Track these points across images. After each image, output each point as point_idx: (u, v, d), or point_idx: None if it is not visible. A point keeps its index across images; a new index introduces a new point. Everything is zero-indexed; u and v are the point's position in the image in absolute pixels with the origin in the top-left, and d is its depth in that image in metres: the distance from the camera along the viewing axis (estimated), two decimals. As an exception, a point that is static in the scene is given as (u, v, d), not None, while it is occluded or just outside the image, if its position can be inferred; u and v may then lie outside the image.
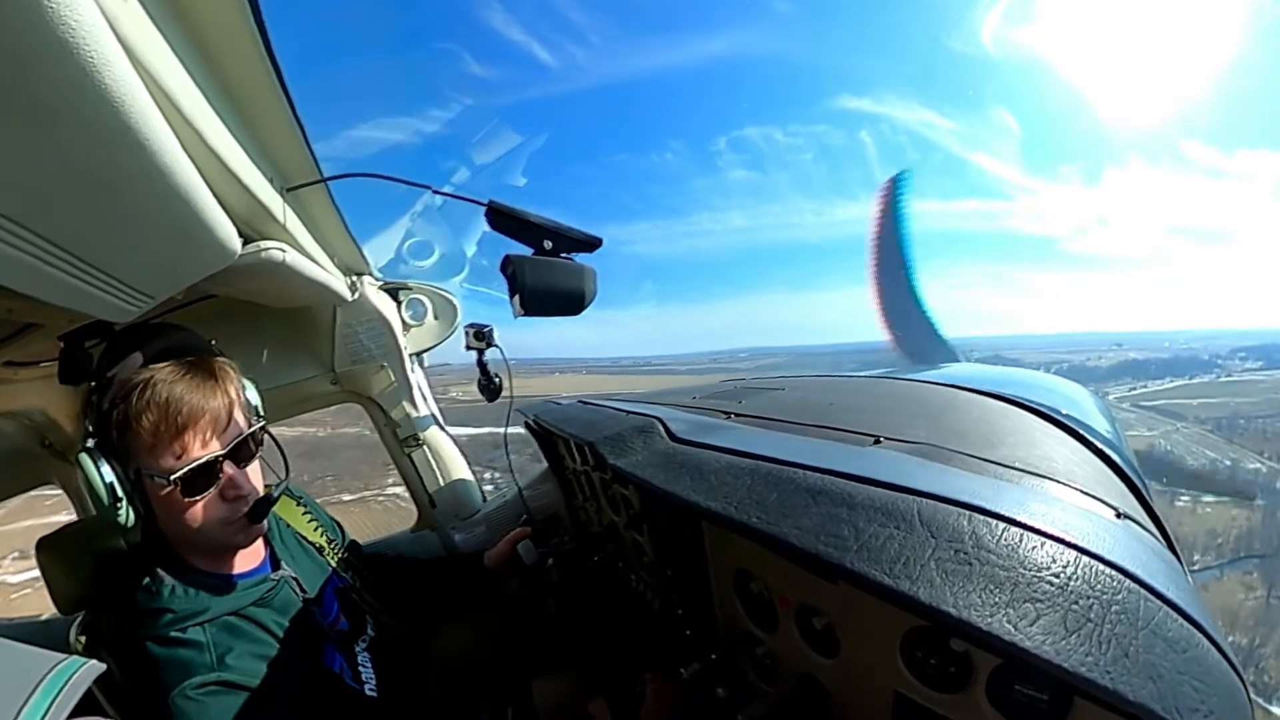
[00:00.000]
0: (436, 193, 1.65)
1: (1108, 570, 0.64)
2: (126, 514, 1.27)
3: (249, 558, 1.53)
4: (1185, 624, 0.62)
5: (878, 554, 0.73)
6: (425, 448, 2.74)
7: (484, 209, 1.47)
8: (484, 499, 2.86)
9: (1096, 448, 1.25)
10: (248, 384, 1.51)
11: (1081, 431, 1.30)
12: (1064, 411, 1.44)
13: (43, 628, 2.68)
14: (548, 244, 1.48)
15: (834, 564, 0.75)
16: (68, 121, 0.57)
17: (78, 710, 0.73)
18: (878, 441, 1.16)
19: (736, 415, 1.60)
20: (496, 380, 2.50)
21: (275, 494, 1.47)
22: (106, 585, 1.51)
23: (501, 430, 2.41)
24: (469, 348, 2.49)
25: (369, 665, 1.60)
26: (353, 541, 2.04)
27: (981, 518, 0.74)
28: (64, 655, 0.73)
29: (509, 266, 1.47)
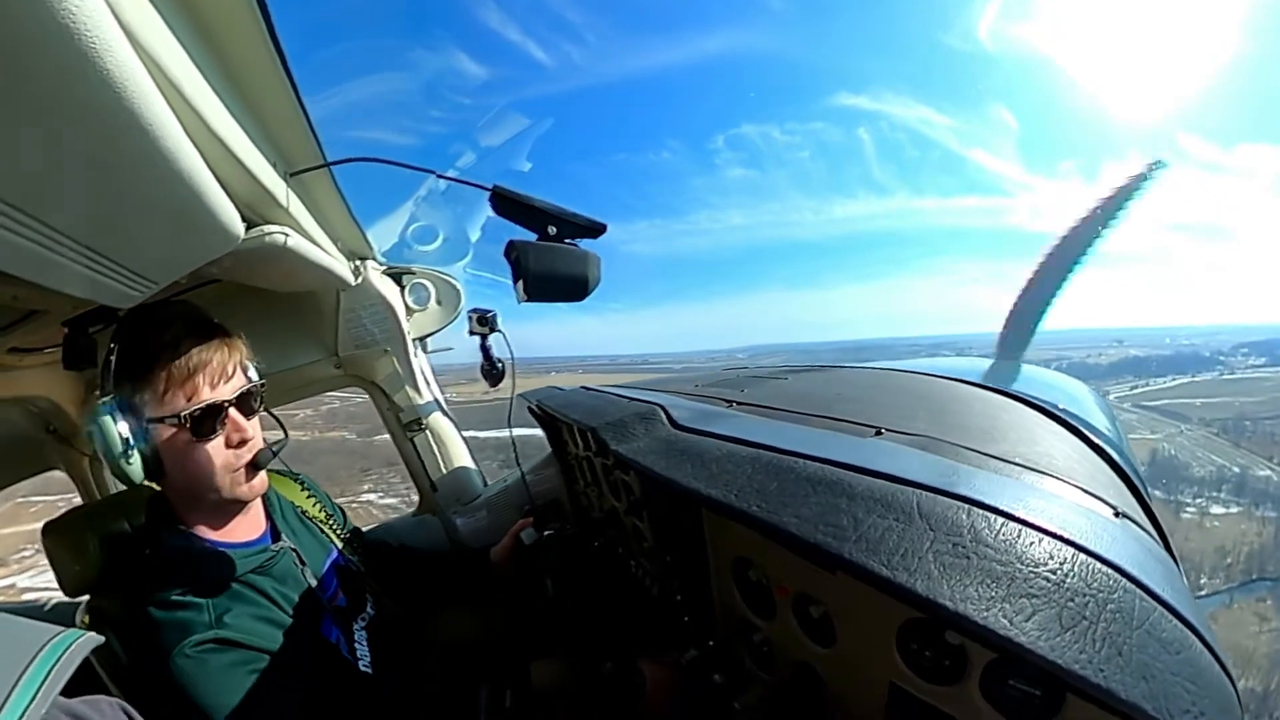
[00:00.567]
0: (440, 177, 1.65)
1: (1104, 569, 0.65)
2: (136, 466, 1.32)
3: (250, 527, 1.57)
4: (1179, 625, 0.62)
5: (876, 545, 0.74)
6: (428, 432, 2.75)
7: (488, 194, 1.46)
8: (485, 484, 2.88)
9: (1096, 445, 1.25)
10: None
11: (1082, 429, 1.31)
12: (1065, 408, 1.44)
13: (53, 610, 2.71)
14: (552, 229, 1.48)
15: (832, 554, 0.75)
16: (69, 108, 0.56)
17: (79, 687, 0.74)
18: (879, 433, 1.17)
19: (739, 404, 1.60)
20: (500, 366, 2.51)
21: (275, 449, 1.53)
22: (111, 566, 1.56)
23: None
24: (472, 333, 2.49)
25: (365, 643, 1.63)
26: (355, 527, 2.07)
27: (980, 512, 0.74)
28: (62, 628, 0.74)
29: (513, 252, 1.47)
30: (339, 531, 1.90)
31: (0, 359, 1.92)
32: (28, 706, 0.62)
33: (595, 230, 1.53)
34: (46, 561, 1.60)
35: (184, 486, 1.43)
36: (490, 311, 2.48)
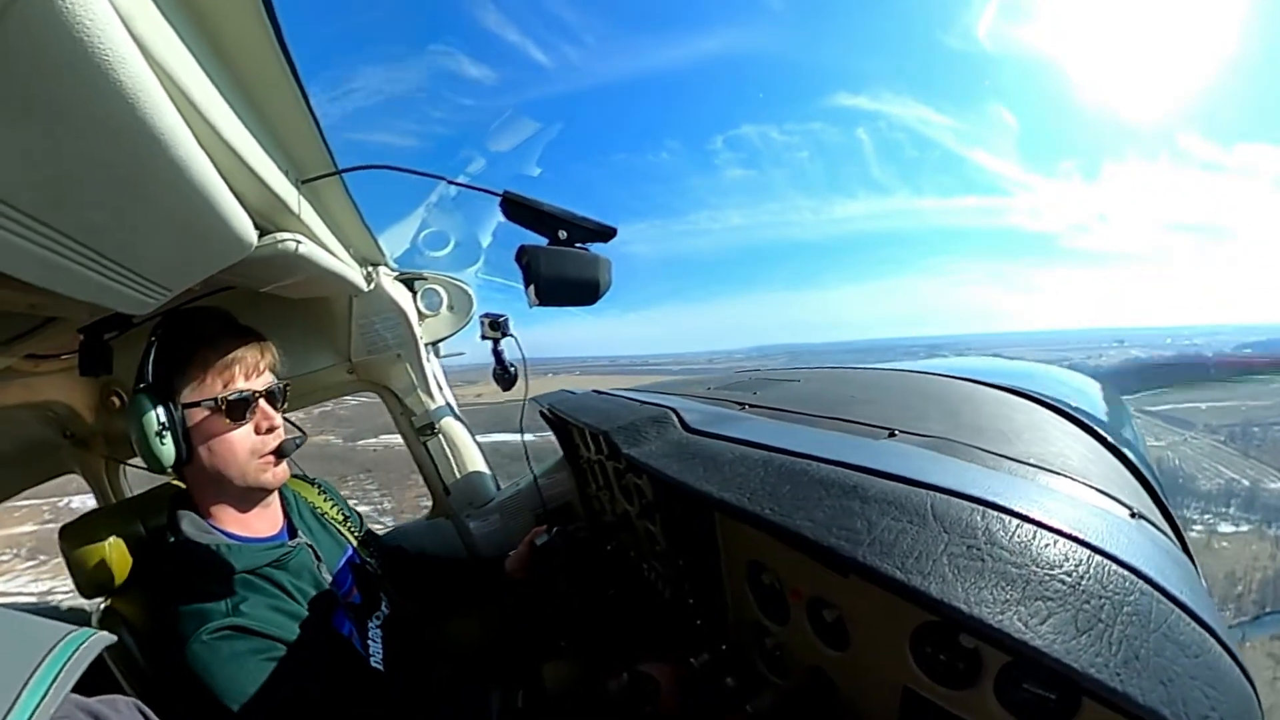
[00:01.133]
0: (451, 183, 1.65)
1: (1120, 570, 0.64)
2: (168, 448, 1.42)
3: (268, 523, 1.63)
4: (1197, 628, 0.61)
5: (890, 548, 0.73)
6: (440, 436, 2.76)
7: (499, 199, 1.47)
8: (498, 488, 2.88)
9: (1112, 445, 1.24)
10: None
11: (1097, 428, 1.29)
12: (1080, 407, 1.43)
13: (68, 611, 2.74)
14: (562, 234, 1.48)
15: (846, 557, 0.75)
16: (84, 119, 0.57)
17: (95, 688, 0.75)
18: (892, 434, 1.16)
19: (751, 406, 1.60)
20: (512, 370, 2.52)
21: (298, 442, 1.64)
22: (131, 566, 1.62)
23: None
24: (484, 337, 2.50)
25: (378, 641, 1.67)
26: (370, 530, 2.09)
27: (995, 513, 0.73)
28: (74, 626, 0.75)
29: (524, 256, 1.47)
30: (355, 533, 1.94)
31: (18, 365, 1.95)
32: (39, 704, 0.63)
33: (606, 234, 1.53)
34: (20, 566, 1.64)
35: (211, 470, 1.50)
36: (502, 316, 2.50)
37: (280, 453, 1.57)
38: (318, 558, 1.65)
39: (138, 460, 1.45)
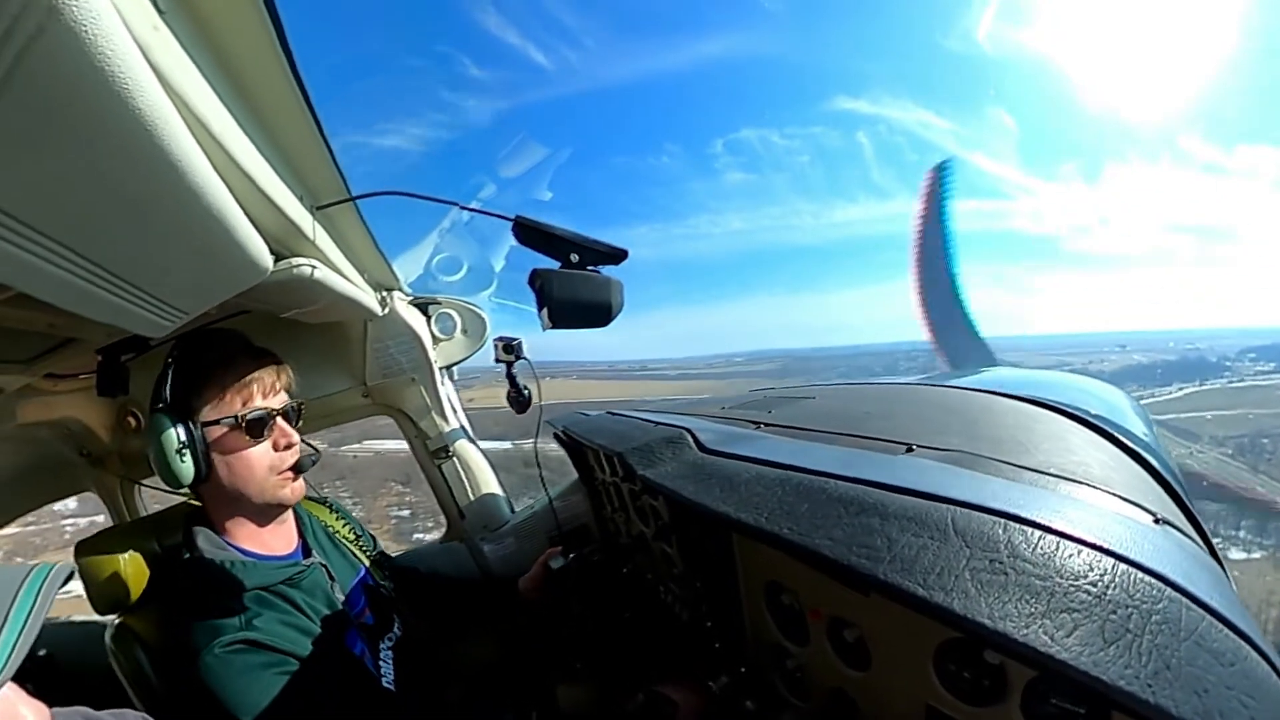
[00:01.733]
0: (464, 209, 1.67)
1: (1147, 578, 0.63)
2: (187, 466, 1.44)
3: (283, 541, 1.66)
4: (1230, 635, 0.60)
5: (911, 565, 0.72)
6: (455, 460, 2.76)
7: (511, 224, 1.48)
8: (512, 510, 2.88)
9: (1132, 451, 1.22)
10: None
11: (1116, 434, 1.28)
12: (1098, 414, 1.42)
13: (79, 627, 2.76)
14: (574, 257, 1.49)
15: (866, 575, 0.74)
16: (104, 146, 0.59)
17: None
18: (910, 450, 1.15)
19: (766, 425, 1.59)
20: (526, 392, 2.52)
21: (313, 459, 1.66)
22: (146, 582, 1.64)
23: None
24: (498, 360, 2.51)
25: (390, 662, 1.67)
26: (382, 551, 2.10)
27: (1016, 526, 0.72)
28: (35, 563, 0.79)
29: (536, 280, 1.48)
30: (368, 552, 1.95)
31: (37, 384, 1.98)
32: (16, 640, 0.67)
33: (617, 257, 1.54)
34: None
35: (229, 486, 1.52)
36: (515, 340, 2.50)
37: (297, 469, 1.60)
38: (331, 578, 1.67)
39: (152, 480, 1.48)
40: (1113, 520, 0.76)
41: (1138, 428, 1.59)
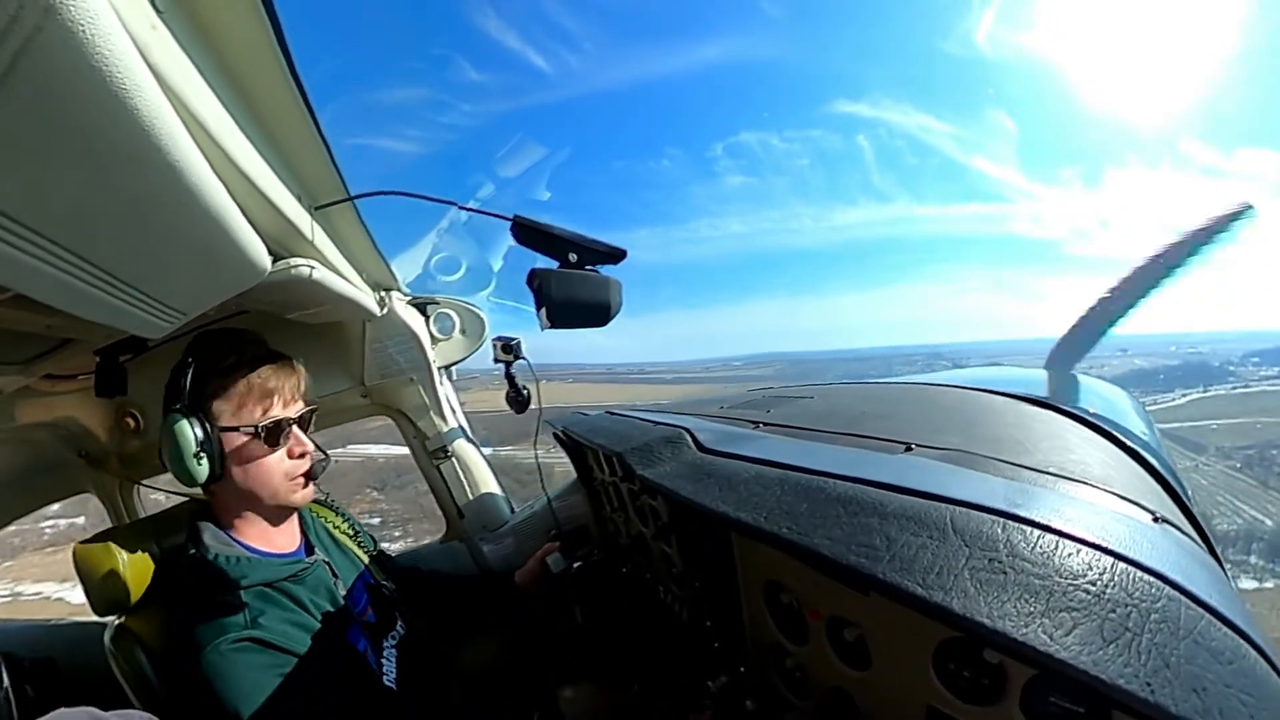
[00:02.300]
0: (462, 209, 1.67)
1: (1146, 576, 0.63)
2: (204, 467, 1.45)
3: (287, 540, 1.67)
4: (1230, 633, 0.60)
5: (910, 564, 0.72)
6: (454, 460, 2.76)
7: (509, 223, 1.48)
8: (512, 510, 2.88)
9: (1131, 449, 1.23)
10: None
11: (1115, 433, 1.28)
12: (1097, 413, 1.42)
13: (78, 629, 2.75)
14: (573, 257, 1.50)
15: (866, 575, 0.74)
16: (102, 147, 0.59)
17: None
18: (909, 449, 1.15)
19: (765, 425, 1.59)
20: (525, 392, 2.52)
21: (324, 465, 1.67)
22: (148, 582, 1.63)
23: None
24: (497, 360, 2.51)
25: (392, 660, 1.68)
26: (382, 550, 2.10)
27: (1015, 525, 0.72)
28: None
29: (535, 280, 1.49)
30: (367, 551, 1.97)
31: (35, 385, 1.99)
32: None
33: (615, 256, 1.54)
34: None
35: (243, 489, 1.54)
36: (514, 339, 2.50)
37: (310, 475, 1.62)
38: (334, 575, 1.68)
39: (150, 480, 1.47)
40: (1112, 519, 0.77)
41: (1136, 426, 1.59)
